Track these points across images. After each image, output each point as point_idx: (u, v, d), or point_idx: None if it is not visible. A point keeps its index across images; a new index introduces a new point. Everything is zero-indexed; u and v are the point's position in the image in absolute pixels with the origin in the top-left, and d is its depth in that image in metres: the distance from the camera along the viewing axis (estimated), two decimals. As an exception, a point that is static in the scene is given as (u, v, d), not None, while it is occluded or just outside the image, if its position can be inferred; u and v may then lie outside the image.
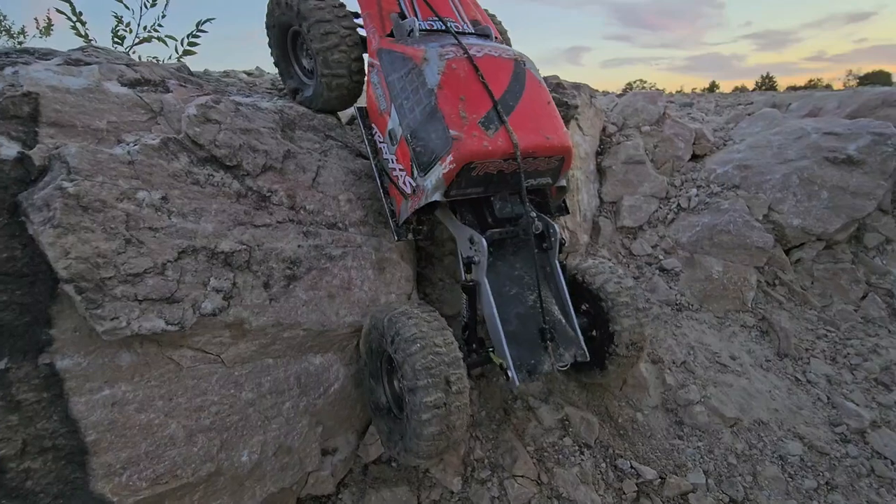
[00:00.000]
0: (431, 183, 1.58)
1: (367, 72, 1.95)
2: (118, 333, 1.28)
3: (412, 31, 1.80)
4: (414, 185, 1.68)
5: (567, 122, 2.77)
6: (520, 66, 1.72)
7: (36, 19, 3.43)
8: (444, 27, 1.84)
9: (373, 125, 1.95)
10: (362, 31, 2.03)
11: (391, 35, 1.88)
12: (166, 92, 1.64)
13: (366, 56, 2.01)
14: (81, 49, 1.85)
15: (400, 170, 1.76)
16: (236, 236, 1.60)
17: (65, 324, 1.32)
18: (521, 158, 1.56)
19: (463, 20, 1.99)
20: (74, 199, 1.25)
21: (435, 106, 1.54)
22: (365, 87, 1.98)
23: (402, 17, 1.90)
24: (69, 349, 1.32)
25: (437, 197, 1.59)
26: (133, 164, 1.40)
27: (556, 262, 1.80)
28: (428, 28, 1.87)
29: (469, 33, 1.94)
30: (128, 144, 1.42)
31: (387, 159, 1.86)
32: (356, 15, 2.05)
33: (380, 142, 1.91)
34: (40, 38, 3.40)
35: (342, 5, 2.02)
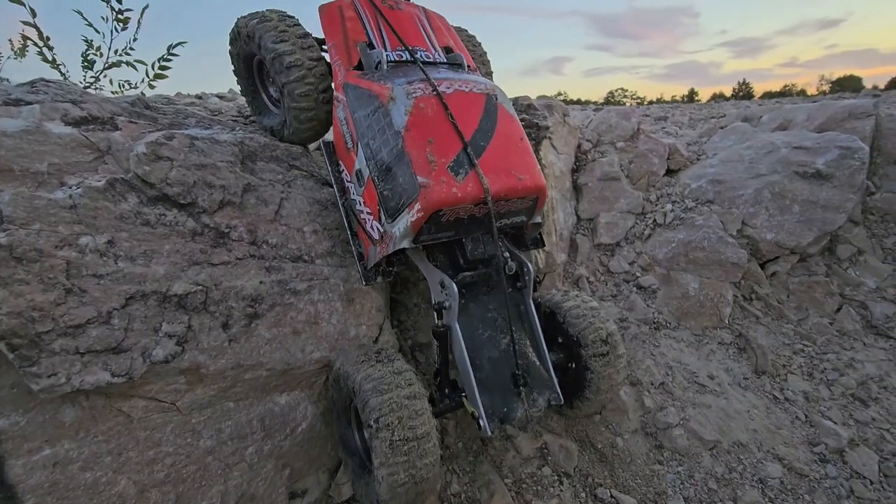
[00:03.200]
0: (399, 230, 1.52)
1: (333, 105, 1.87)
2: (56, 391, 1.21)
3: (379, 63, 1.73)
4: (382, 230, 1.61)
5: (540, 142, 2.76)
6: (491, 102, 1.64)
7: (11, 41, 3.34)
8: (412, 59, 1.76)
9: (340, 162, 1.87)
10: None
11: (359, 66, 1.80)
12: (115, 129, 1.58)
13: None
14: (31, 83, 1.78)
15: (367, 213, 1.68)
16: (191, 277, 1.54)
17: (1, 381, 1.25)
18: (493, 201, 1.49)
19: (434, 48, 1.92)
20: (7, 251, 1.18)
21: (402, 149, 1.46)
22: (332, 120, 1.92)
23: (371, 46, 1.83)
24: (6, 408, 1.25)
25: (405, 244, 1.52)
26: (75, 209, 1.33)
27: (531, 301, 1.74)
28: (396, 59, 1.80)
29: (441, 63, 1.87)
30: (70, 188, 1.36)
31: (354, 200, 1.79)
32: (322, 42, 1.98)
33: (347, 181, 1.83)
34: (15, 59, 3.30)
35: (307, 35, 1.95)
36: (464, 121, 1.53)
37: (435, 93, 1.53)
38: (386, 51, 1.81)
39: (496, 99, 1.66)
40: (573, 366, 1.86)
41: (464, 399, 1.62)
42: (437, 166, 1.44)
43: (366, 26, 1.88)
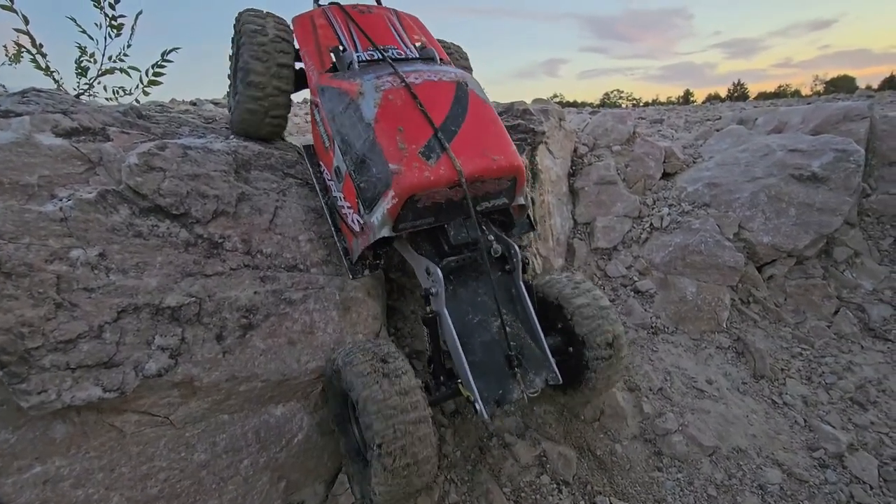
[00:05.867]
0: (378, 219, 1.53)
1: (310, 109, 1.91)
2: (46, 408, 1.19)
3: (351, 63, 1.77)
4: (362, 222, 1.62)
5: (536, 147, 2.76)
6: (462, 88, 1.67)
7: (5, 47, 3.32)
8: (382, 56, 1.81)
9: (320, 162, 1.90)
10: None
11: (333, 69, 1.84)
12: (106, 140, 1.57)
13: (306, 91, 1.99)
14: (22, 93, 1.77)
15: (348, 207, 1.70)
16: (184, 288, 1.52)
17: (-10, 398, 1.23)
18: (469, 183, 1.50)
19: (406, 45, 1.96)
20: (-5, 266, 1.16)
21: (373, 140, 1.48)
22: (310, 123, 1.95)
23: (343, 50, 1.86)
24: (-5, 425, 1.23)
25: (385, 233, 1.53)
26: (66, 221, 1.32)
27: (521, 283, 1.74)
28: (368, 59, 1.83)
29: (413, 58, 1.91)
30: (61, 200, 1.34)
31: (335, 197, 1.81)
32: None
33: (328, 179, 1.86)
34: (10, 65, 3.28)
35: (283, 40, 1.96)
36: (434, 108, 1.55)
37: (403, 84, 1.56)
38: (357, 52, 1.86)
39: (467, 86, 1.68)
40: (572, 349, 1.84)
41: (459, 385, 1.61)
42: (408, 153, 1.46)
43: (337, 32, 1.94)
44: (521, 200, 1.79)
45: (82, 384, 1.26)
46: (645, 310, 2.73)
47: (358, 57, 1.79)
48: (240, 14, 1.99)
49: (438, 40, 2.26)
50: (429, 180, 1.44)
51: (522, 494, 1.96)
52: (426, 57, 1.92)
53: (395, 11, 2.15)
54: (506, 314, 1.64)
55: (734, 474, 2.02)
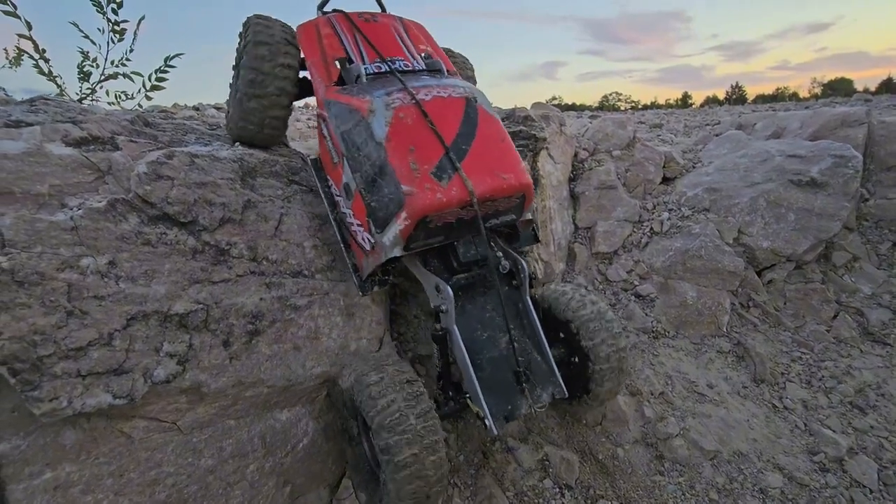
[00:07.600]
0: (389, 240, 1.53)
1: (317, 122, 1.90)
2: (58, 415, 1.20)
3: (359, 76, 1.76)
4: (372, 241, 1.63)
5: (537, 153, 2.78)
6: (471, 105, 1.66)
7: (5, 50, 3.34)
8: (390, 69, 1.80)
9: (328, 177, 1.89)
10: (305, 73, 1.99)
11: (339, 81, 1.83)
12: (115, 149, 1.59)
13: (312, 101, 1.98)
14: (30, 102, 1.79)
15: (357, 225, 1.70)
16: (192, 295, 1.54)
17: (1, 405, 1.24)
18: (480, 203, 1.50)
19: (412, 56, 1.95)
20: (8, 275, 1.18)
21: (385, 160, 1.48)
22: (317, 137, 1.93)
23: (350, 61, 1.85)
24: (7, 432, 1.24)
25: (396, 252, 1.53)
26: (76, 230, 1.33)
27: (528, 298, 1.77)
28: (375, 71, 1.82)
29: (420, 70, 1.90)
30: (71, 209, 1.36)
31: (344, 213, 1.80)
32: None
33: (336, 195, 1.85)
34: (10, 68, 3.30)
35: (288, 43, 1.94)
36: (444, 126, 1.54)
37: (414, 101, 1.55)
38: (364, 64, 1.83)
39: (476, 101, 1.68)
40: (576, 360, 1.87)
41: (468, 400, 1.63)
42: (420, 173, 1.45)
43: (343, 42, 1.91)
44: (528, 215, 1.81)
45: (93, 391, 1.27)
46: (646, 314, 2.75)
47: (365, 69, 1.78)
48: (248, 19, 1.99)
49: (444, 49, 2.26)
50: (441, 202, 1.43)
51: (525, 499, 1.97)
52: (433, 69, 1.91)
53: (401, 19, 2.13)
54: (513, 329, 1.66)
55: (735, 478, 2.03)
